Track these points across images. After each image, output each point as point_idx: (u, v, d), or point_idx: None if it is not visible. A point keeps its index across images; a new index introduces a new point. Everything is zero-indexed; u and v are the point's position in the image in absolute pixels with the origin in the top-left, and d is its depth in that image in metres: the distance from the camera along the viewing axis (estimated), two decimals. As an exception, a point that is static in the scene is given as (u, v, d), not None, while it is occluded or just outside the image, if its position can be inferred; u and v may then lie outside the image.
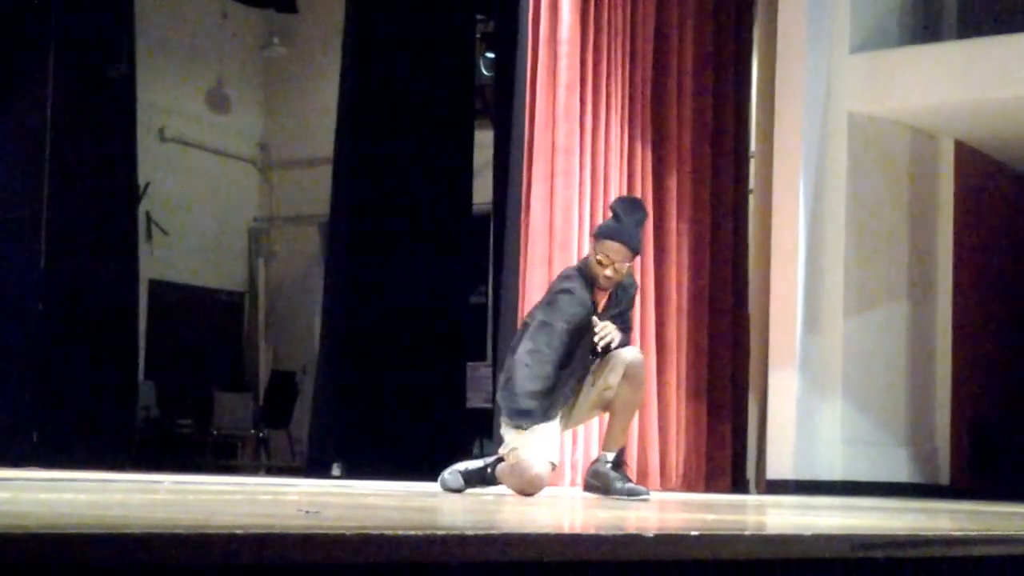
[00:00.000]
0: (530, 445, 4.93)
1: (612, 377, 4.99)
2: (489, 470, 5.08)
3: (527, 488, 4.92)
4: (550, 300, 5.02)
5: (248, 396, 12.39)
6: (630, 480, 5.14)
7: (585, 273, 5.00)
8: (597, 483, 5.07)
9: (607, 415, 5.16)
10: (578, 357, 4.98)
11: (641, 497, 4.99)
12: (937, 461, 9.17)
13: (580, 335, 4.95)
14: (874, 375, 8.81)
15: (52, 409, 9.02)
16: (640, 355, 5.07)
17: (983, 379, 9.59)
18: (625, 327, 5.13)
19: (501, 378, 5.11)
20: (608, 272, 4.93)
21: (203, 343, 12.74)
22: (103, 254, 9.67)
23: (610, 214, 5.11)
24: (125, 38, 9.99)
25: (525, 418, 4.89)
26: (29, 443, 8.77)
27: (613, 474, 5.03)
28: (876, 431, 8.81)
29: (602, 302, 5.06)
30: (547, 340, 4.87)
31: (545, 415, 4.93)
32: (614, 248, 4.91)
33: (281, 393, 12.32)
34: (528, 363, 4.87)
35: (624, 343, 5.06)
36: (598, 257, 4.92)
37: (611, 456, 5.07)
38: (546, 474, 4.97)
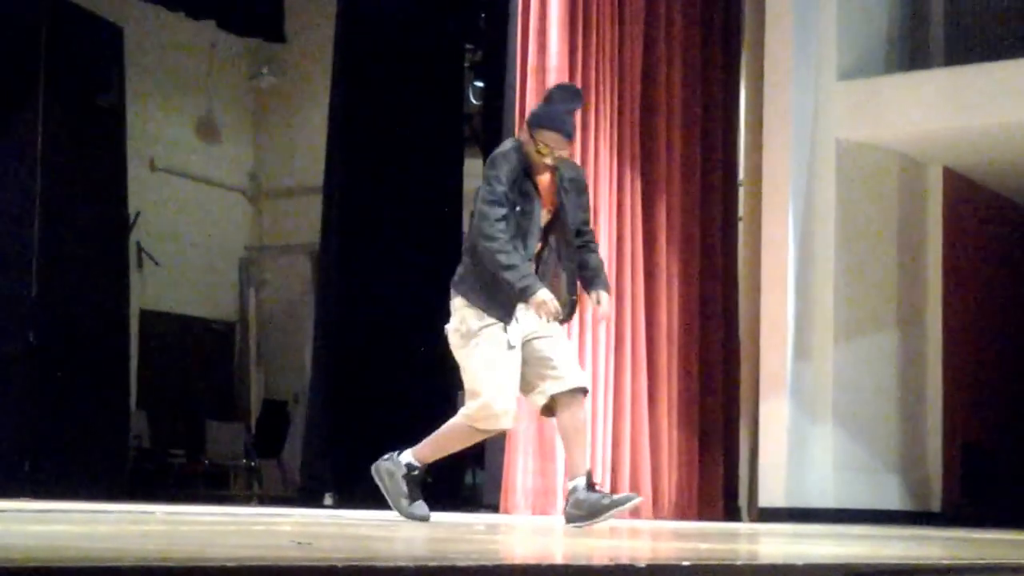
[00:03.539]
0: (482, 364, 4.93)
1: (550, 386, 4.98)
2: (415, 472, 5.11)
3: (496, 425, 4.96)
4: (487, 181, 5.03)
5: (240, 425, 12.35)
6: (612, 494, 5.07)
7: (521, 154, 5.03)
8: (581, 512, 4.99)
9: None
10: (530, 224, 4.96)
11: (633, 502, 4.98)
12: (929, 488, 9.16)
13: (526, 211, 4.97)
14: (865, 402, 8.82)
15: (44, 439, 9.00)
16: (584, 389, 5.01)
17: (974, 405, 9.60)
18: (586, 216, 5.20)
19: (465, 262, 5.06)
20: (548, 160, 5.02)
21: (194, 372, 12.72)
22: (94, 284, 9.67)
23: (546, 100, 5.13)
24: (115, 68, 10.02)
25: (527, 288, 4.86)
26: (21, 473, 8.74)
27: (594, 496, 4.99)
28: (867, 458, 8.81)
29: (546, 186, 5.06)
30: (492, 222, 4.91)
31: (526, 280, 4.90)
32: (553, 138, 4.99)
33: (273, 422, 12.30)
34: (496, 251, 4.89)
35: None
36: (539, 147, 4.99)
37: (582, 482, 5.02)
38: (513, 410, 4.98)
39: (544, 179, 5.07)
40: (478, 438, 5.17)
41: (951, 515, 8.98)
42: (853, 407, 8.72)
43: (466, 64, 10.46)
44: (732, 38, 8.85)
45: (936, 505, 9.14)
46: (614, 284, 7.84)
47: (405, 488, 5.13)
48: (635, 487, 7.74)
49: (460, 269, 5.12)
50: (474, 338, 4.98)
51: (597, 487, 5.05)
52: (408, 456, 5.18)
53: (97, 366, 9.56)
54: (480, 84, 10.28)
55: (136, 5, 9.76)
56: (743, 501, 8.58)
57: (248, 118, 13.41)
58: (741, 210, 8.85)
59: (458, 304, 5.06)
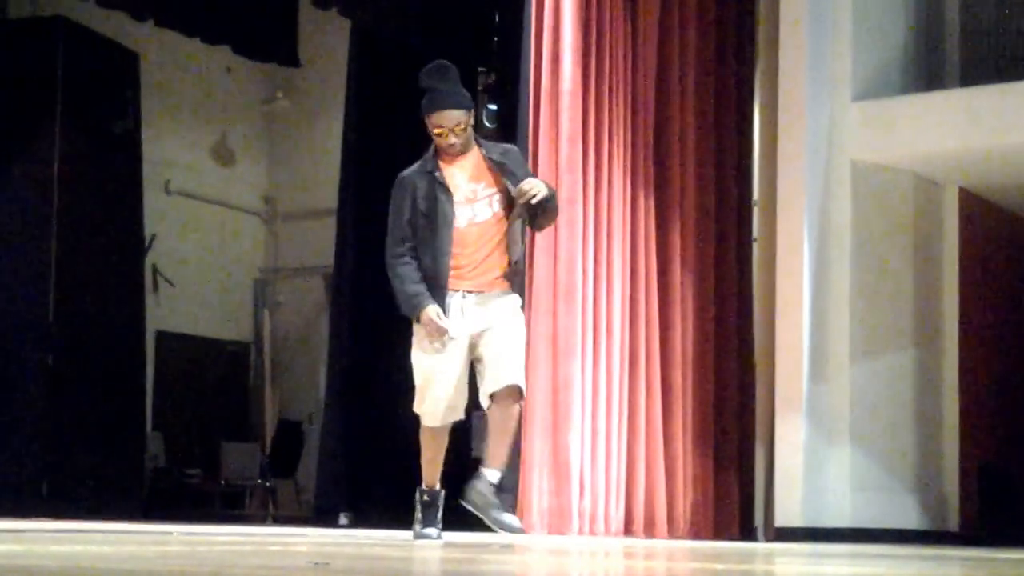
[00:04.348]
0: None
1: (486, 386, 4.99)
2: (425, 497, 5.10)
3: (439, 420, 5.03)
4: (390, 215, 5.18)
5: (255, 446, 12.38)
6: (510, 511, 5.01)
7: (428, 159, 5.10)
8: (477, 500, 4.96)
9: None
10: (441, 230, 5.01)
11: (516, 532, 4.91)
12: (946, 507, 9.13)
13: (432, 212, 5.02)
14: (881, 421, 8.79)
15: (62, 460, 9.04)
16: (517, 388, 5.01)
17: (991, 424, 9.56)
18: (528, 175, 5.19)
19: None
20: (451, 139, 5.04)
21: (210, 393, 12.75)
22: (110, 306, 9.72)
23: (424, 89, 5.12)
24: (130, 93, 10.09)
25: (414, 308, 5.02)
26: (39, 494, 8.78)
27: (494, 500, 4.95)
28: (884, 478, 8.78)
29: (473, 171, 5.06)
30: (389, 250, 5.11)
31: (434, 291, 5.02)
32: (437, 117, 5.04)
33: (287, 442, 12.32)
34: (396, 276, 5.08)
35: (548, 198, 5.04)
36: (434, 133, 5.05)
37: (495, 477, 4.99)
38: (448, 403, 5.02)
39: (465, 165, 5.08)
40: (434, 438, 5.11)
41: (969, 535, 8.94)
42: (870, 426, 8.70)
43: (479, 87, 10.49)
44: (746, 60, 8.86)
45: (954, 525, 9.10)
46: (628, 305, 7.86)
47: (419, 513, 5.15)
48: (650, 507, 7.73)
49: None
50: (416, 334, 5.10)
51: (501, 494, 5.01)
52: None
53: (113, 387, 9.61)
54: (494, 107, 10.30)
55: (152, 31, 9.82)
56: (759, 521, 8.56)
57: (263, 141, 13.47)
58: (756, 231, 8.85)
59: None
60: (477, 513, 4.94)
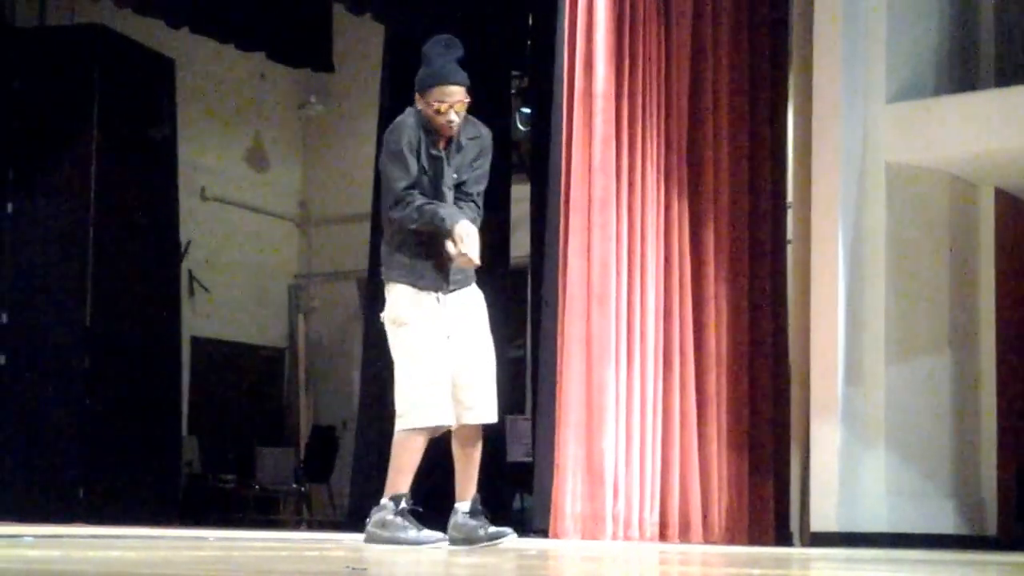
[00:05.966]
0: None
1: (462, 414, 4.89)
2: (402, 505, 4.98)
3: (430, 421, 4.84)
4: (389, 161, 4.91)
5: (289, 451, 12.43)
6: (490, 524, 4.94)
7: (420, 124, 4.88)
8: (459, 535, 4.89)
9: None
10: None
11: (506, 536, 4.84)
12: (984, 512, 9.05)
13: (434, 165, 4.87)
14: (918, 425, 8.73)
15: (98, 465, 9.11)
16: (486, 422, 4.93)
17: (1029, 428, 9.48)
18: (476, 176, 5.02)
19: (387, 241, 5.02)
20: (451, 116, 4.83)
21: (244, 398, 12.82)
22: (147, 311, 9.79)
23: (424, 62, 4.94)
24: (166, 100, 10.16)
25: (447, 220, 4.80)
26: (76, 499, 8.85)
27: (472, 523, 4.89)
28: (921, 482, 8.72)
29: (444, 146, 4.92)
30: (402, 188, 4.84)
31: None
32: (445, 91, 4.82)
33: (322, 447, 12.36)
34: (420, 210, 4.82)
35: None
36: (436, 106, 4.81)
37: (466, 507, 4.93)
38: (446, 403, 4.87)
39: (451, 161, 4.94)
40: (420, 441, 4.92)
41: (1006, 539, 8.87)
42: (906, 430, 8.64)
43: (513, 91, 10.49)
44: (780, 61, 8.82)
45: (991, 529, 9.02)
46: (662, 308, 7.84)
47: (403, 521, 4.94)
48: (684, 511, 7.70)
49: (384, 257, 5.05)
50: (404, 326, 4.88)
51: (481, 516, 4.94)
52: (384, 497, 5.03)
53: (149, 392, 9.68)
54: (527, 111, 10.31)
55: (187, 38, 9.90)
56: (795, 526, 8.51)
57: (297, 147, 13.53)
58: (790, 234, 8.81)
59: (391, 290, 4.98)
60: (469, 547, 4.82)
